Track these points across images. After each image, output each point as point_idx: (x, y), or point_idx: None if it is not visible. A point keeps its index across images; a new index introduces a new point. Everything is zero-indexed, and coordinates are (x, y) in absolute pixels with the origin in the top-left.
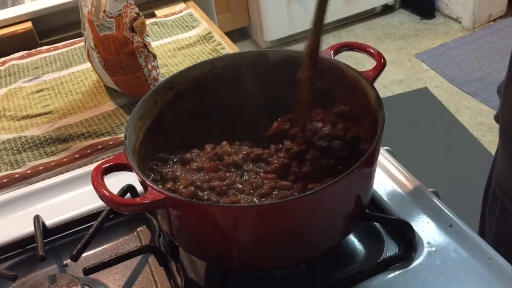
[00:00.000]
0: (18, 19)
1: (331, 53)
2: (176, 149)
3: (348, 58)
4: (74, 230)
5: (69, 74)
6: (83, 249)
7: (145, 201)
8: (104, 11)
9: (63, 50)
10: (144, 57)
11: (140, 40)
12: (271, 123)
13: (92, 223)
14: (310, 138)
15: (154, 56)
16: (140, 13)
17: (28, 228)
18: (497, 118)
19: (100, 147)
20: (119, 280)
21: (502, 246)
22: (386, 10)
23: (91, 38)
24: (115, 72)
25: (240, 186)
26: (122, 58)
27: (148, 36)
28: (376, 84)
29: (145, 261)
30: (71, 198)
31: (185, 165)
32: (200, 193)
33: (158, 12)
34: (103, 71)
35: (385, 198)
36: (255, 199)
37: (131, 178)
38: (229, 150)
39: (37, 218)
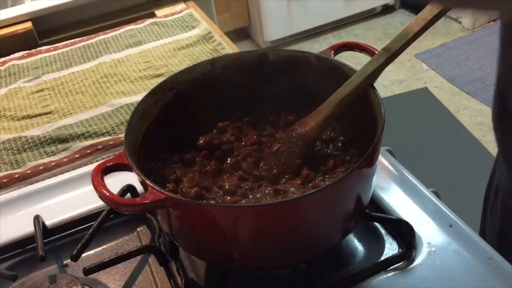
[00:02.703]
0: (18, 19)
1: (331, 53)
2: (176, 149)
3: (348, 58)
4: (74, 230)
5: (69, 74)
6: (83, 249)
7: (145, 201)
8: None
9: (63, 50)
10: None
11: None
12: (270, 123)
13: (92, 223)
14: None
15: None
16: None
17: (28, 228)
18: None
19: (100, 147)
20: (119, 280)
21: (505, 247)
22: (386, 10)
23: None
24: None
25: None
26: None
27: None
28: (376, 84)
29: (145, 261)
30: (71, 198)
31: (187, 166)
32: (206, 193)
33: (158, 12)
34: None
35: (385, 198)
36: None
37: (131, 178)
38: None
39: (37, 218)
